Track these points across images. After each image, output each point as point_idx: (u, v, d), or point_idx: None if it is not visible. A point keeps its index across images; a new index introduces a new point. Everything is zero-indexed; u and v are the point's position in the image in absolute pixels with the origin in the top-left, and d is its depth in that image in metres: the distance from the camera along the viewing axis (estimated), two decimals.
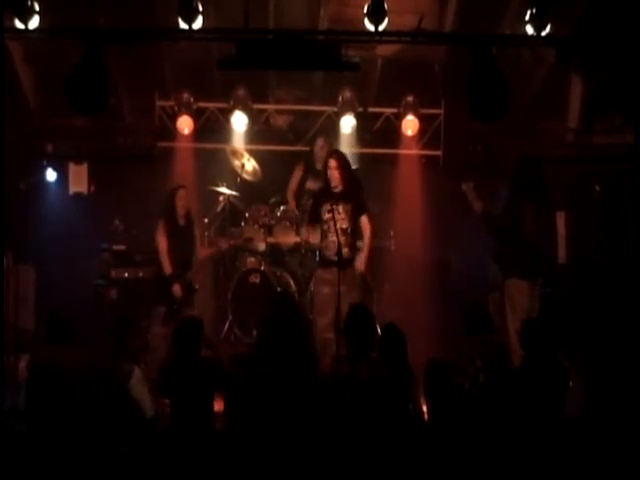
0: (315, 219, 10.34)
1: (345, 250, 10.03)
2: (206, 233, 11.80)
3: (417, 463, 6.55)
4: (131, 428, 7.40)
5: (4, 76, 9.53)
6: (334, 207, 9.99)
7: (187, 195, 11.01)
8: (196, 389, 7.52)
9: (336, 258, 9.92)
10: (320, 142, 11.90)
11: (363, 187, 10.56)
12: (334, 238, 9.98)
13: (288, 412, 7.07)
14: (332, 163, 10.18)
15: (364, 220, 10.29)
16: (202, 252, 11.24)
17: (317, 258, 11.18)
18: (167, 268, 10.72)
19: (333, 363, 8.60)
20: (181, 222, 10.88)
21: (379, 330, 8.26)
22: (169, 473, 6.51)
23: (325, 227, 10.19)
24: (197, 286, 10.97)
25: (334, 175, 10.15)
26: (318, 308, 10.23)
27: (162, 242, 10.77)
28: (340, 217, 10.09)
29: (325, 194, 10.31)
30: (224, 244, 11.57)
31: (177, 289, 10.67)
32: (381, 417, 7.16)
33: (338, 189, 10.18)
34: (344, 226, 10.10)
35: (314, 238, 11.26)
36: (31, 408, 7.84)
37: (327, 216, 10.13)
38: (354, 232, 10.20)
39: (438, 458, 6.59)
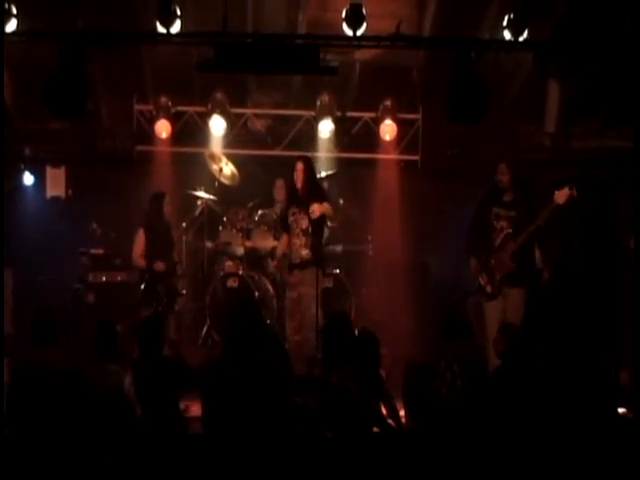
0: (285, 227, 10.42)
1: (305, 252, 10.08)
2: (184, 237, 11.78)
3: (387, 469, 6.55)
4: (123, 429, 7.38)
5: (3, 76, 9.50)
6: (297, 210, 10.10)
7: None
8: (161, 389, 7.53)
9: (298, 261, 10.03)
10: (279, 183, 11.95)
11: (326, 196, 10.63)
12: (296, 240, 10.07)
13: (259, 413, 7.11)
14: (299, 166, 10.27)
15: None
16: None
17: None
18: (141, 262, 10.71)
19: (306, 365, 8.63)
20: (162, 228, 10.88)
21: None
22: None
23: (290, 230, 10.28)
24: (184, 291, 10.98)
25: (299, 177, 10.22)
26: (287, 312, 10.38)
27: (139, 250, 10.76)
28: (301, 217, 10.14)
29: (292, 199, 10.44)
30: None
31: (159, 265, 10.64)
32: (348, 423, 7.19)
33: (300, 191, 10.25)
34: (304, 226, 10.12)
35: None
36: (15, 411, 7.77)
37: (291, 219, 10.24)
38: (316, 232, 10.21)
39: (412, 464, 6.60)
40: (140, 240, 10.78)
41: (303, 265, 10.16)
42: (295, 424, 7.13)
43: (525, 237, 9.72)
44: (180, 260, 11.57)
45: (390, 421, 7.84)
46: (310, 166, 10.46)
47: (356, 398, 7.31)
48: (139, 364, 7.77)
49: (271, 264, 11.47)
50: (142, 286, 10.82)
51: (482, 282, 9.92)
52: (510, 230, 9.82)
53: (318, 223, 10.25)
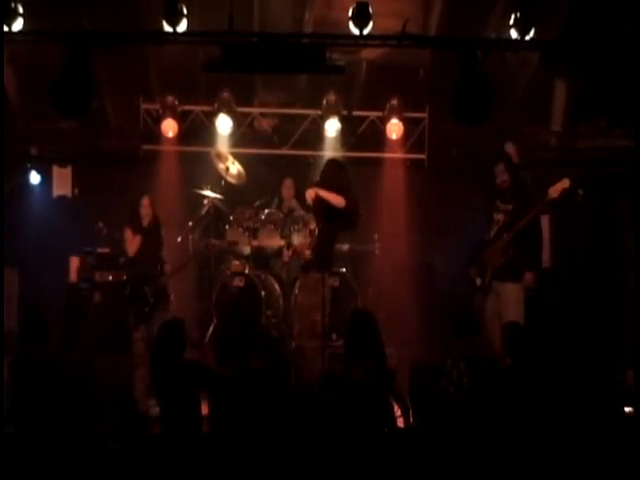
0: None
1: (309, 252, 10.06)
2: (190, 236, 11.79)
3: (393, 468, 6.53)
4: (126, 421, 7.38)
5: (3, 76, 9.51)
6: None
7: (153, 201, 11.08)
8: (183, 391, 7.53)
9: (303, 262, 10.06)
10: (287, 182, 11.97)
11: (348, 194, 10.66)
12: (303, 241, 10.10)
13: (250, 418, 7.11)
14: (325, 167, 10.42)
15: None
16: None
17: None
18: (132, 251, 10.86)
19: (329, 362, 8.66)
20: (147, 227, 10.93)
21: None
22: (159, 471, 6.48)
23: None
24: (170, 293, 10.98)
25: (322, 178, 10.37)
26: (293, 313, 10.54)
27: (131, 248, 10.88)
28: (309, 217, 10.16)
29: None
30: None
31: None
32: (369, 420, 7.17)
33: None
34: (312, 227, 10.11)
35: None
36: (19, 408, 7.76)
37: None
38: (322, 233, 10.22)
39: (418, 463, 6.58)
40: (129, 236, 10.90)
41: (307, 268, 10.17)
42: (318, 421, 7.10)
43: (516, 230, 9.71)
44: (184, 259, 11.61)
45: (401, 419, 7.85)
46: (332, 166, 10.55)
47: (377, 394, 7.30)
48: (157, 366, 7.77)
49: (286, 253, 11.45)
50: (128, 288, 10.87)
51: (472, 274, 9.91)
52: (504, 223, 9.82)
53: (330, 224, 10.25)
